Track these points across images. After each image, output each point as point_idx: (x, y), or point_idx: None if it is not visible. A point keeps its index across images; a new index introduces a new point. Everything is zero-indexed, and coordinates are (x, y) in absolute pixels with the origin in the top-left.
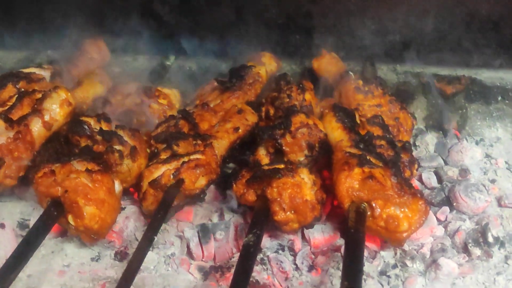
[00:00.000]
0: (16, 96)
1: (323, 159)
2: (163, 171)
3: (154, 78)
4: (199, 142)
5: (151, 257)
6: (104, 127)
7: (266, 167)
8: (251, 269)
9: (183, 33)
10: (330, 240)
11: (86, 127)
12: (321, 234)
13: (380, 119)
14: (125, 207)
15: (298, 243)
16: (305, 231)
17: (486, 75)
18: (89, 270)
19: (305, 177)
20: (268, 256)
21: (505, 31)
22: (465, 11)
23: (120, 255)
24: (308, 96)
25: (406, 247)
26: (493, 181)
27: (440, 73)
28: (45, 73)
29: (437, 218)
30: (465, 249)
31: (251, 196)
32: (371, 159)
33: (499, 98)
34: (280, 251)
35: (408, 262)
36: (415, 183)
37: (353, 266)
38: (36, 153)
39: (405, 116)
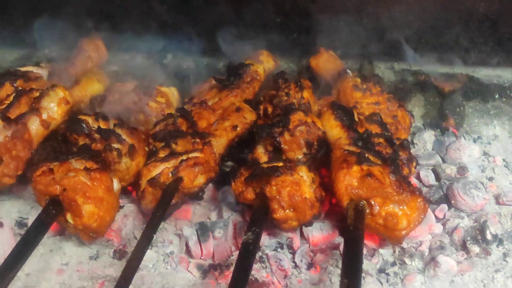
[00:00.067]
0: (14, 94)
1: (321, 157)
2: (161, 169)
3: (152, 76)
4: (197, 140)
5: (150, 256)
6: (102, 125)
7: (264, 165)
8: (251, 267)
9: (180, 32)
10: (329, 238)
11: (84, 125)
12: (319, 232)
13: (379, 117)
14: (123, 206)
15: (296, 241)
16: (304, 229)
17: (484, 73)
18: (88, 268)
19: (304, 175)
20: (267, 254)
21: (502, 29)
22: (462, 9)
23: (119, 254)
24: (306, 94)
25: (404, 244)
26: (491, 179)
27: (437, 71)
28: (43, 72)
29: (435, 216)
30: (464, 247)
31: (249, 194)
32: (369, 157)
33: (497, 96)
34: (279, 249)
35: (407, 260)
36: (413, 181)
37: (352, 264)
38: (34, 152)
39: (403, 114)
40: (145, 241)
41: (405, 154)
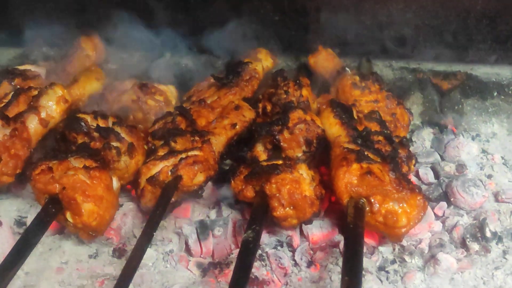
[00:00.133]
0: (12, 93)
1: (320, 155)
2: (161, 167)
3: (150, 74)
4: (196, 138)
5: (150, 254)
6: (101, 123)
7: (264, 163)
8: (251, 265)
9: (178, 30)
10: (329, 236)
11: (83, 124)
12: (319, 230)
13: (378, 115)
14: (122, 204)
15: (296, 239)
16: (303, 227)
17: (482, 71)
18: (87, 267)
19: (304, 173)
20: (266, 252)
21: (500, 26)
22: (460, 7)
23: (118, 252)
24: (305, 92)
25: (404, 242)
26: (489, 177)
27: (436, 69)
28: (41, 70)
29: (434, 214)
30: (463, 244)
31: (249, 192)
32: (369, 155)
33: (495, 93)
34: (278, 247)
35: (407, 258)
36: (412, 178)
37: (353, 262)
38: (32, 150)
39: (402, 111)
40: (145, 240)
41: (404, 151)
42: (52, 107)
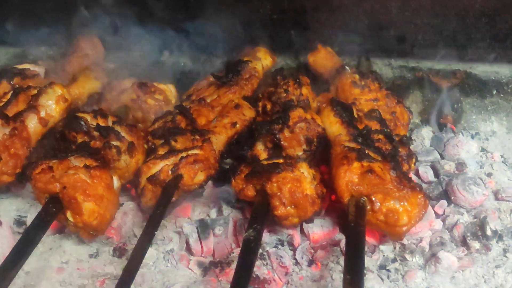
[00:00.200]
0: (11, 92)
1: (320, 154)
2: (161, 166)
3: (149, 73)
4: (197, 137)
5: (150, 253)
6: (101, 123)
7: (265, 162)
8: (253, 264)
9: (177, 29)
10: (329, 235)
11: (83, 123)
12: (320, 229)
13: (378, 113)
14: (123, 203)
15: (297, 238)
16: (304, 225)
17: (481, 69)
18: (88, 266)
19: (305, 172)
20: (267, 251)
21: (499, 25)
22: (459, 5)
23: (119, 251)
24: (305, 90)
25: (405, 241)
26: (489, 175)
27: (435, 67)
28: (40, 69)
29: (435, 212)
30: (464, 243)
31: (250, 191)
32: (370, 153)
33: (494, 92)
34: (279, 246)
35: (408, 256)
36: (412, 177)
37: (354, 260)
38: (32, 150)
39: (402, 110)
40: (146, 239)
41: (404, 150)
42: (51, 106)
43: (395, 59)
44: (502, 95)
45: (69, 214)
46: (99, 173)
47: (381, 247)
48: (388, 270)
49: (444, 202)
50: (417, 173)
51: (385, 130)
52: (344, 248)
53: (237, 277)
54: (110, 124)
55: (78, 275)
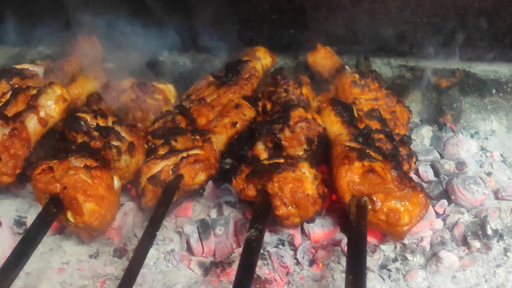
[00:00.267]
0: (11, 92)
1: (319, 154)
2: (162, 166)
3: (148, 73)
4: (197, 137)
5: (151, 254)
6: (101, 123)
7: (266, 162)
8: (255, 264)
9: (176, 28)
10: (330, 235)
11: (82, 123)
12: (320, 229)
13: (378, 113)
14: (123, 204)
15: (298, 238)
16: (305, 225)
17: (480, 68)
18: (88, 267)
19: (306, 172)
20: (268, 251)
21: (498, 24)
22: (458, 4)
23: (119, 252)
24: (305, 90)
25: (406, 240)
26: (489, 174)
27: (434, 67)
28: (39, 69)
29: (435, 212)
30: (465, 242)
31: (251, 191)
32: (370, 153)
33: (494, 91)
34: (280, 246)
35: (409, 256)
36: (412, 177)
37: (356, 260)
38: (32, 150)
39: (402, 109)
40: (148, 239)
41: (405, 149)
42: (51, 106)
43: (394, 59)
44: (501, 94)
45: (69, 215)
46: (100, 174)
47: (382, 246)
48: (389, 270)
49: (444, 202)
50: (417, 173)
51: (386, 129)
52: (345, 248)
53: (239, 277)
54: (110, 124)
55: (78, 276)
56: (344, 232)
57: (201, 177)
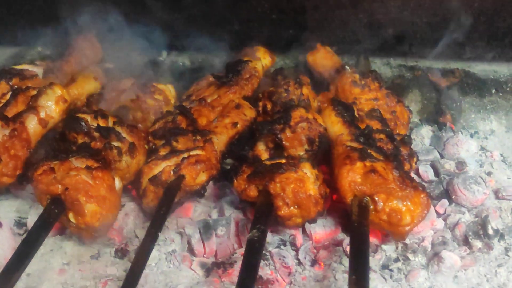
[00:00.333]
0: (10, 93)
1: (320, 154)
2: (163, 167)
3: (147, 73)
4: (198, 137)
5: (153, 254)
6: (102, 123)
7: (267, 162)
8: (258, 265)
9: (175, 28)
10: (332, 235)
11: (83, 123)
12: (322, 229)
13: (378, 113)
14: (124, 204)
15: (299, 238)
16: (306, 226)
17: (480, 68)
18: (90, 268)
19: (308, 172)
20: (270, 252)
21: (497, 23)
22: (458, 4)
23: (120, 253)
24: (305, 90)
25: (407, 240)
26: (489, 174)
27: (434, 67)
28: (38, 70)
29: (436, 211)
30: (466, 242)
31: (252, 192)
32: (372, 153)
33: (493, 90)
34: (282, 246)
35: (410, 256)
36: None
37: (359, 260)
38: (32, 151)
39: (402, 109)
40: (150, 240)
41: (406, 149)
42: (51, 107)
43: (394, 58)
44: (501, 94)
45: (71, 216)
46: (101, 174)
47: (384, 246)
48: (391, 270)
49: (445, 202)
50: (417, 173)
51: (387, 129)
52: (347, 248)
53: (242, 277)
54: (110, 124)
55: (80, 277)
56: (346, 232)
57: (203, 177)
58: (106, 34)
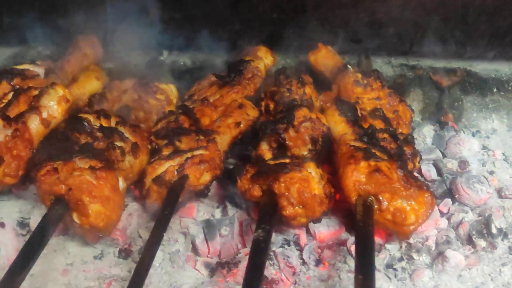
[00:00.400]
0: (12, 93)
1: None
2: (166, 167)
3: (148, 73)
4: (201, 137)
5: (156, 255)
6: (104, 123)
7: (271, 162)
8: (264, 265)
9: (176, 28)
10: (335, 234)
11: (86, 123)
12: (326, 228)
13: (381, 112)
14: (127, 204)
15: (303, 238)
16: (310, 225)
17: (481, 67)
18: (93, 268)
19: (312, 171)
20: (274, 251)
21: (498, 22)
22: (459, 3)
23: (124, 253)
24: (308, 90)
25: (411, 240)
26: (491, 173)
27: (435, 66)
28: (39, 70)
29: (439, 211)
30: (470, 241)
31: (256, 191)
32: (376, 153)
33: (495, 89)
34: (286, 246)
35: (414, 255)
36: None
37: (365, 260)
38: (35, 151)
39: (404, 108)
40: (155, 241)
41: (409, 149)
42: (53, 107)
43: (395, 58)
44: (502, 93)
45: (75, 216)
46: (105, 174)
47: (387, 246)
48: (395, 269)
49: (448, 201)
50: (419, 172)
51: (390, 129)
52: (351, 248)
53: (248, 278)
54: (113, 124)
55: (84, 277)
56: (350, 231)
57: (206, 177)
58: (106, 34)
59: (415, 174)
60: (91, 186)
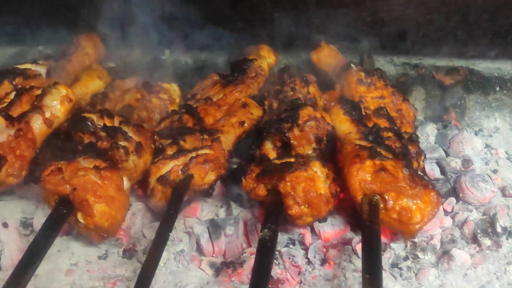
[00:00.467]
0: (15, 92)
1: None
2: (171, 166)
3: (149, 72)
4: (206, 137)
5: None
6: (108, 123)
7: (276, 161)
8: (271, 264)
9: (177, 27)
10: (340, 233)
11: (89, 123)
12: (331, 228)
13: (385, 111)
14: (131, 204)
15: (308, 237)
16: (315, 224)
17: (484, 66)
18: (98, 268)
19: (318, 171)
20: (279, 251)
21: (500, 21)
22: (461, 2)
23: (128, 253)
24: (312, 89)
25: (416, 239)
26: (495, 171)
27: (437, 64)
28: (41, 69)
29: (444, 210)
30: (475, 240)
31: (261, 191)
32: (381, 151)
33: (497, 88)
34: (291, 245)
35: (419, 254)
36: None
37: (372, 259)
38: (38, 151)
39: (408, 107)
40: (161, 241)
41: (413, 147)
42: (56, 106)
43: (397, 56)
44: (505, 92)
45: (80, 216)
46: (110, 174)
47: (392, 245)
48: (400, 268)
49: (452, 200)
50: (423, 171)
51: (394, 128)
52: (356, 247)
53: (255, 277)
54: (116, 124)
55: (88, 277)
56: (355, 231)
57: (211, 177)
58: (107, 33)
59: (419, 173)
60: (95, 186)
